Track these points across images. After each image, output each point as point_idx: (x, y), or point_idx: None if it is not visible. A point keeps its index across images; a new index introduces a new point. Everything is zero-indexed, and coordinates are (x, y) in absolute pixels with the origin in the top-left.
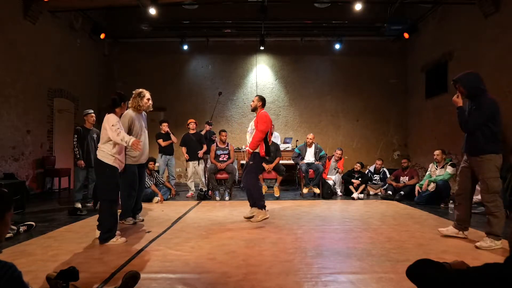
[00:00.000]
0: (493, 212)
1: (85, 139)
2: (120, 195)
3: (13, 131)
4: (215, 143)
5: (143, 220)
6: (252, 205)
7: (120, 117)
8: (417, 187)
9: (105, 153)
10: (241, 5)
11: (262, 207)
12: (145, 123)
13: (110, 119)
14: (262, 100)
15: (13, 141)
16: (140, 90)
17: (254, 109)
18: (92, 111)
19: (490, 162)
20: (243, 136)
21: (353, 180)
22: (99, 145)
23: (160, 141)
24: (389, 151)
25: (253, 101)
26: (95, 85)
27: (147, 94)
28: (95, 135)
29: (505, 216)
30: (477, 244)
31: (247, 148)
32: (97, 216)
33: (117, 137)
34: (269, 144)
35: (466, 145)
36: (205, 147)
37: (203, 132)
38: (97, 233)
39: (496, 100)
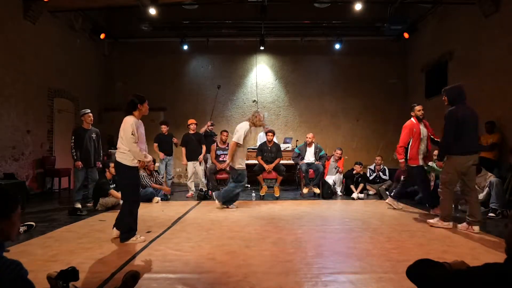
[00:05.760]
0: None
1: (83, 140)
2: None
3: (13, 131)
4: (215, 143)
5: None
6: None
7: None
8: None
9: (124, 154)
10: (241, 5)
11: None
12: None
13: (128, 124)
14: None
15: (13, 141)
16: None
17: None
18: (89, 111)
19: None
20: None
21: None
22: (118, 145)
23: (155, 145)
24: (389, 151)
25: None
26: (95, 85)
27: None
28: (94, 135)
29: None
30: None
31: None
32: (97, 216)
33: (136, 148)
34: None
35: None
36: (204, 148)
37: (202, 130)
38: (115, 232)
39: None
